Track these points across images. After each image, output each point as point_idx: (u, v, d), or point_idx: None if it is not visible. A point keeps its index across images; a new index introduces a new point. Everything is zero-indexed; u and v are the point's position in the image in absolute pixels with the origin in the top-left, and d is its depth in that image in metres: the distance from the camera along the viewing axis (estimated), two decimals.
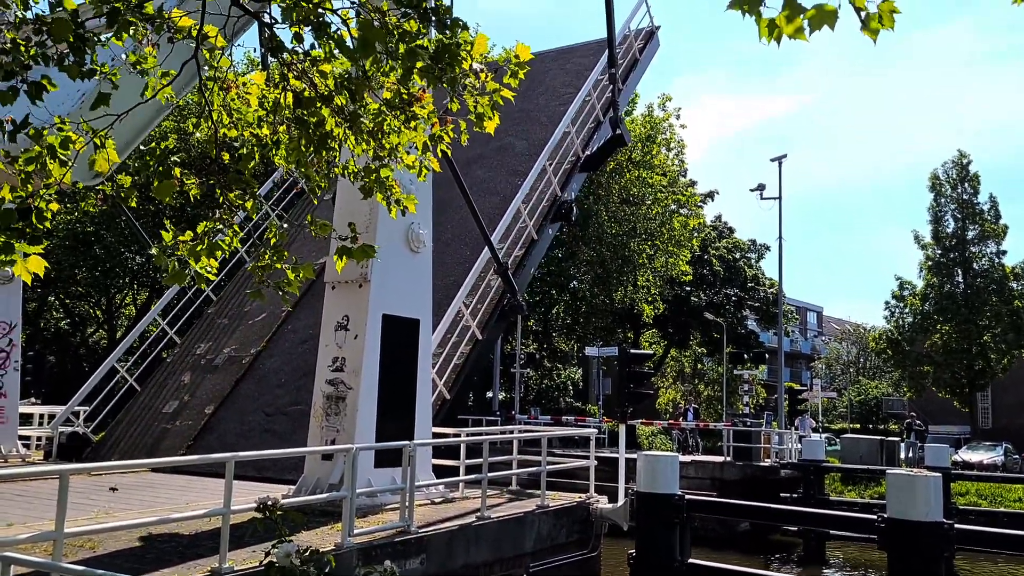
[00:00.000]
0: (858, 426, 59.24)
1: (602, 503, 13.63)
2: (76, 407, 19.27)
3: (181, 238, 6.31)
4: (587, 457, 14.43)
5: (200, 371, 19.01)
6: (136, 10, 5.49)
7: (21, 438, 18.98)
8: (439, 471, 13.42)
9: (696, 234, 45.54)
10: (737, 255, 53.20)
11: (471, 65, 5.91)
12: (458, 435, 14.13)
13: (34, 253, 5.58)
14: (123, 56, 5.73)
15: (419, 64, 5.73)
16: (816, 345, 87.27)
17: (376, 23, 5.45)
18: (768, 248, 56.48)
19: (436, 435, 13.81)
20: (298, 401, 15.35)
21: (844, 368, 77.39)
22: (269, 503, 3.80)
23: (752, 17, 3.86)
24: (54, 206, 5.71)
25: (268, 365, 17.91)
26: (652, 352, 39.60)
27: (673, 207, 41.81)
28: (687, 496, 12.70)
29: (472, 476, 12.57)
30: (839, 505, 24.39)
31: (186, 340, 20.64)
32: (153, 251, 6.32)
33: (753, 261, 54.95)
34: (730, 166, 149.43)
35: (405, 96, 6.22)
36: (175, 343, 20.68)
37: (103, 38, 6.25)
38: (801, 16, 3.79)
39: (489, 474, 11.70)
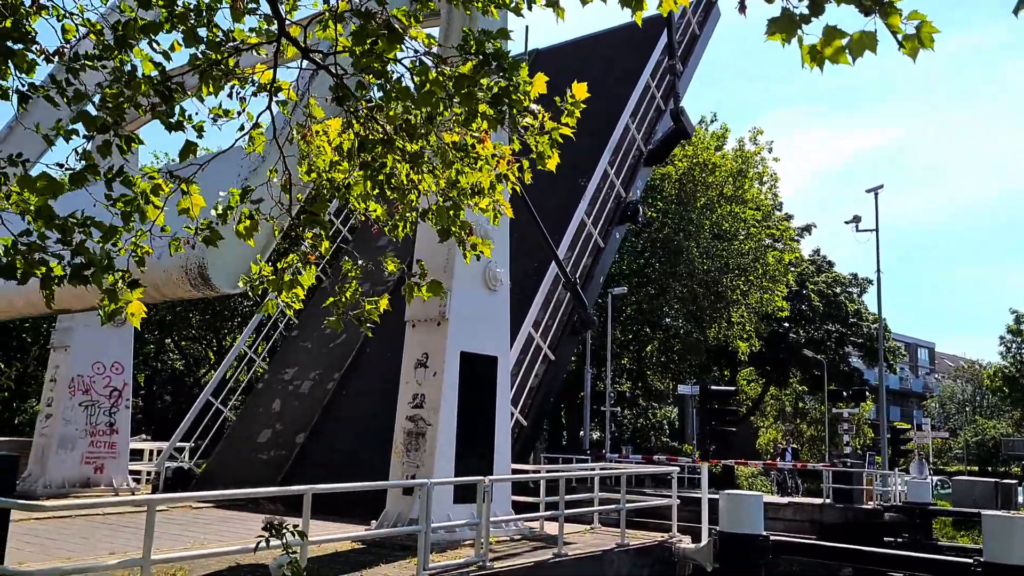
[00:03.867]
0: (975, 469, 56.15)
1: (685, 543, 13.41)
2: (180, 443, 20.17)
3: (264, 271, 6.71)
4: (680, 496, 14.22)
5: (288, 397, 19.42)
6: (217, 65, 5.97)
7: (131, 473, 20.02)
8: (522, 508, 13.49)
9: (792, 269, 44.52)
10: (837, 290, 51.62)
11: (529, 105, 6.13)
12: (539, 471, 14.18)
13: (135, 298, 6.02)
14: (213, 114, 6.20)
15: (481, 108, 5.99)
16: (928, 383, 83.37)
17: (434, 69, 5.76)
18: (870, 282, 54.59)
19: (516, 471, 13.90)
20: (380, 431, 15.50)
21: (959, 407, 73.56)
22: (275, 523, 4.00)
23: (788, 45, 3.97)
24: (149, 250, 6.18)
25: (350, 392, 18.24)
26: (734, 388, 38.68)
27: (767, 242, 41.07)
28: (772, 537, 12.37)
29: (551, 512, 12.60)
30: (948, 551, 23.14)
31: (274, 365, 21.09)
32: (240, 283, 6.76)
33: (855, 296, 53.18)
34: (829, 199, 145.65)
35: (469, 139, 6.49)
36: (264, 369, 21.27)
37: (193, 93, 6.82)
38: (842, 40, 3.85)
39: (569, 511, 11.70)
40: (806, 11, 3.68)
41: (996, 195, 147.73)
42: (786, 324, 47.69)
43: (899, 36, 3.55)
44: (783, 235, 42.57)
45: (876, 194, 32.13)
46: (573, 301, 17.88)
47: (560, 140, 6.60)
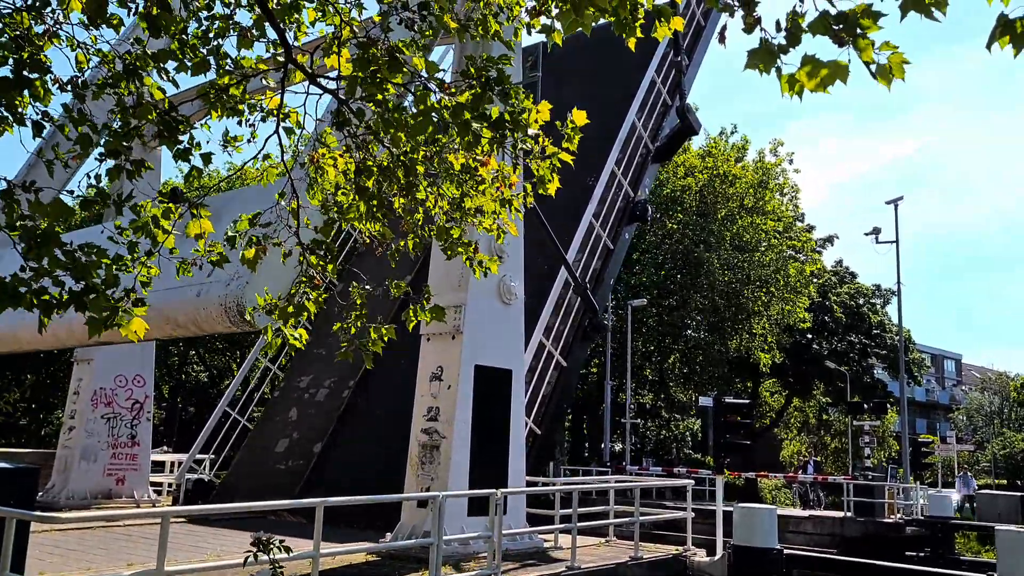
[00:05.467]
0: (1004, 482, 55.30)
1: (700, 556, 13.41)
2: (200, 454, 20.41)
3: (271, 300, 6.84)
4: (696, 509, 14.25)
5: (304, 406, 19.52)
6: (226, 92, 6.15)
7: (153, 485, 20.31)
8: (538, 520, 13.56)
9: (814, 280, 44.24)
10: (860, 301, 51.19)
11: (529, 130, 6.25)
12: (553, 484, 14.24)
13: (138, 316, 6.18)
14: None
15: (486, 133, 6.11)
16: (955, 395, 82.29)
17: (435, 98, 5.90)
18: (893, 293, 54.06)
19: (531, 484, 13.96)
20: (393, 442, 15.57)
21: (987, 419, 72.53)
22: (264, 539, 4.13)
23: (767, 75, 4.07)
24: (155, 271, 6.35)
25: (365, 401, 18.33)
26: (749, 401, 38.40)
27: (789, 253, 40.88)
28: (786, 551, 12.35)
29: (565, 525, 12.66)
30: (969, 566, 22.87)
31: (289, 373, 21.18)
32: (248, 315, 6.91)
33: (878, 307, 52.70)
34: (854, 210, 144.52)
35: (471, 164, 6.63)
36: (279, 378, 21.42)
37: (202, 121, 7.01)
38: (819, 70, 3.94)
39: (584, 523, 11.76)
40: (784, 42, 3.77)
41: None
42: (809, 335, 47.34)
43: (872, 67, 3.63)
44: (804, 246, 42.34)
45: (896, 206, 31.93)
46: (584, 305, 17.82)
47: (559, 165, 6.72)
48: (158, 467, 22.07)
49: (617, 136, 20.07)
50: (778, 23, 3.74)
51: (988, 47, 3.50)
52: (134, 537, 13.28)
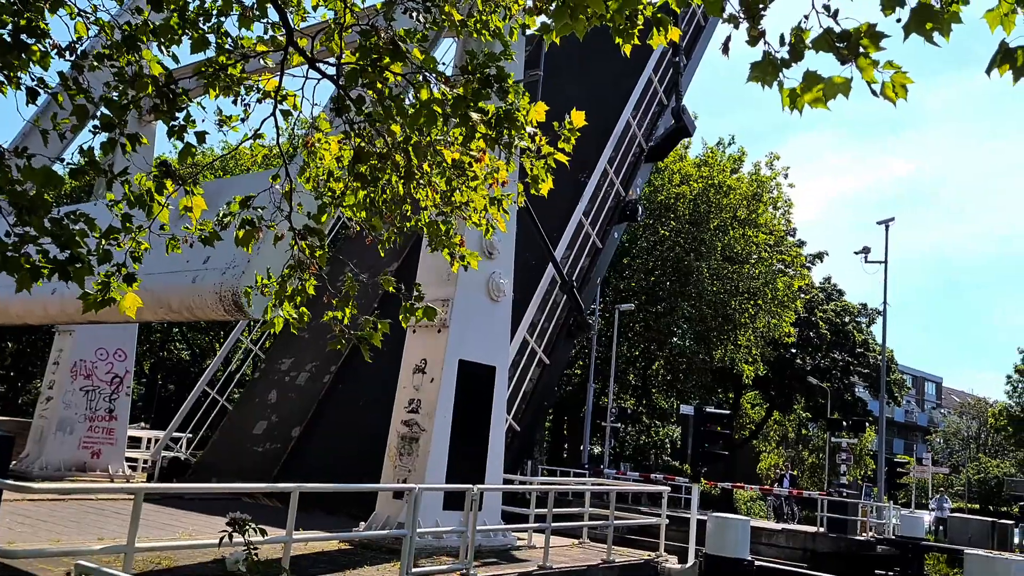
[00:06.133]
0: (976, 507, 55.72)
1: (672, 563, 13.45)
2: (177, 432, 20.29)
3: (265, 281, 6.81)
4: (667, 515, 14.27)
5: (284, 388, 19.29)
6: (224, 71, 6.11)
7: (128, 460, 20.20)
8: (513, 518, 13.56)
9: (802, 295, 44.46)
10: (846, 319, 51.49)
11: (526, 128, 6.24)
12: (530, 483, 14.25)
13: (130, 292, 6.14)
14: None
15: (481, 129, 6.09)
16: (934, 417, 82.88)
17: (436, 89, 5.88)
18: (879, 312, 54.39)
19: (508, 482, 13.96)
20: (373, 431, 15.43)
21: (963, 444, 73.10)
22: (239, 518, 4.12)
23: (769, 88, 4.08)
24: (146, 246, 6.31)
25: (346, 386, 18.16)
26: (729, 412, 38.57)
27: (778, 267, 41.07)
28: (756, 562, 12.40)
29: (539, 524, 12.67)
30: None
31: (271, 354, 20.93)
32: (245, 301, 6.86)
33: (863, 326, 53.01)
34: (846, 227, 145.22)
35: (466, 159, 6.60)
36: (260, 359, 21.16)
37: (198, 99, 6.96)
38: (820, 86, 3.95)
39: (558, 524, 11.77)
40: (786, 56, 3.78)
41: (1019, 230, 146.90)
42: (793, 350, 47.59)
43: (874, 87, 3.64)
44: (794, 261, 42.54)
45: (887, 227, 32.09)
46: (570, 303, 17.73)
47: (554, 165, 6.71)
48: (134, 443, 21.96)
49: (611, 133, 19.86)
50: (782, 37, 3.74)
51: (988, 72, 3.52)
52: (106, 512, 13.21)
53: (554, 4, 4.35)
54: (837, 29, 3.60)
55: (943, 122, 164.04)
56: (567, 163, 6.63)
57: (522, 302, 16.52)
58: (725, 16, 3.73)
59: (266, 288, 6.77)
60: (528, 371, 16.81)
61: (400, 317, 7.07)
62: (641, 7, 4.28)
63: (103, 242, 5.69)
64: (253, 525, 4.29)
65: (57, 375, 19.04)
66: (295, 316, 6.78)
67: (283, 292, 6.76)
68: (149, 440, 22.45)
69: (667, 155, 27.12)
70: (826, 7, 3.52)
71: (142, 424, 25.89)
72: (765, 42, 3.75)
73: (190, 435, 20.82)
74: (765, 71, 3.85)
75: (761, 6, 3.64)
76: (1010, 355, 74.82)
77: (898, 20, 3.50)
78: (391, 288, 7.29)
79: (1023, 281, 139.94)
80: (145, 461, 20.76)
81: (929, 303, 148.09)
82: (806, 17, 3.60)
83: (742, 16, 3.68)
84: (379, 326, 6.93)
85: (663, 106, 22.07)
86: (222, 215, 6.47)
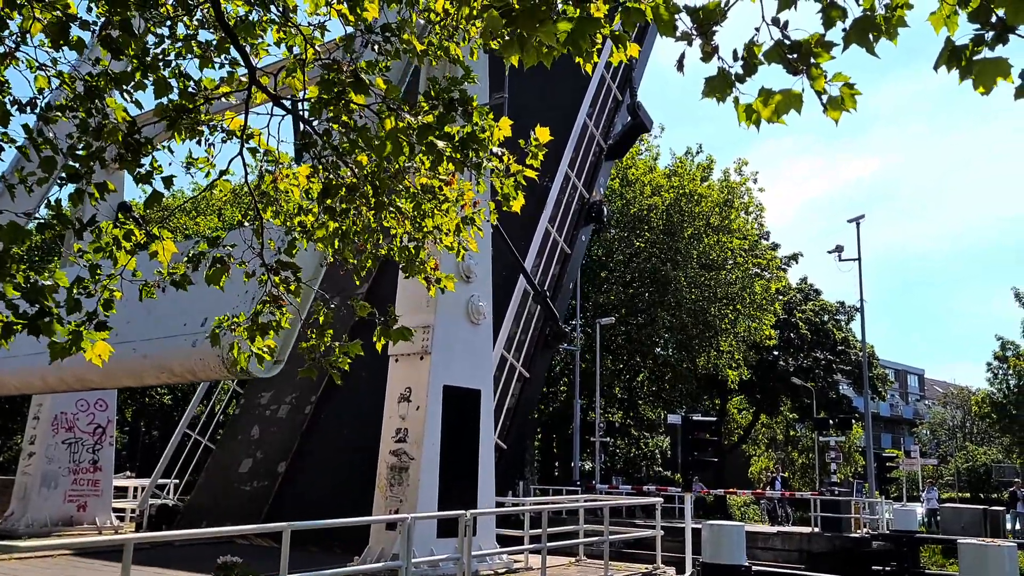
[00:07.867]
0: (968, 495, 56.06)
1: (669, 574, 13.42)
2: (163, 479, 19.98)
3: (235, 320, 6.79)
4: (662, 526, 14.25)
5: (266, 423, 18.93)
6: (187, 113, 6.11)
7: (115, 511, 19.91)
8: (508, 540, 13.49)
9: (780, 297, 44.79)
10: (825, 318, 51.89)
11: (493, 149, 6.29)
12: (522, 504, 14.19)
13: (100, 339, 6.09)
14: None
15: (448, 152, 6.13)
16: (918, 409, 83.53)
17: (399, 118, 5.91)
18: (857, 309, 54.84)
19: (500, 504, 13.90)
20: (361, 459, 15.22)
21: (950, 434, 73.65)
22: (228, 563, 4.08)
23: (723, 104, 4.15)
24: (118, 294, 6.27)
25: (328, 416, 17.87)
26: (716, 419, 38.71)
27: (755, 271, 41.38)
28: (754, 567, 12.41)
29: (535, 545, 12.62)
30: None
31: (249, 388, 20.55)
32: (208, 336, 6.81)
33: (843, 323, 53.42)
34: (820, 228, 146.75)
35: (435, 183, 6.65)
36: (239, 395, 20.86)
37: (164, 143, 6.95)
38: (773, 99, 4.02)
39: (554, 543, 11.72)
40: (740, 71, 3.84)
41: (990, 223, 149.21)
42: (775, 352, 47.87)
43: (824, 98, 3.72)
44: (770, 264, 42.89)
45: (858, 224, 32.47)
46: (544, 313, 17.67)
47: (523, 183, 6.76)
48: (121, 493, 21.65)
49: (569, 135, 19.72)
50: (735, 52, 3.81)
51: (936, 68, 3.60)
52: (96, 565, 13.00)
53: (506, 35, 4.38)
54: (788, 41, 3.68)
55: (901, 120, 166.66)
56: (536, 178, 6.69)
57: (497, 318, 16.40)
58: (678, 35, 3.79)
59: (236, 326, 6.74)
60: (509, 387, 16.72)
61: (374, 339, 7.07)
62: (595, 32, 4.32)
63: (74, 290, 5.66)
64: (243, 569, 4.24)
65: (38, 429, 18.77)
66: (265, 350, 6.75)
67: (254, 327, 6.72)
68: (135, 489, 22.15)
69: (626, 152, 26.98)
70: (775, 20, 3.59)
71: (128, 473, 25.57)
72: (719, 57, 3.82)
73: (176, 480, 20.56)
74: (719, 86, 3.91)
75: (713, 23, 3.71)
76: (980, 343, 75.79)
77: (844, 30, 3.58)
78: (364, 314, 7.28)
79: (978, 274, 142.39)
80: (133, 511, 20.47)
81: (902, 298, 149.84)
82: (757, 30, 3.68)
83: (695, 33, 3.74)
84: (349, 349, 6.93)
85: (619, 102, 21.97)
86: (191, 255, 6.44)
